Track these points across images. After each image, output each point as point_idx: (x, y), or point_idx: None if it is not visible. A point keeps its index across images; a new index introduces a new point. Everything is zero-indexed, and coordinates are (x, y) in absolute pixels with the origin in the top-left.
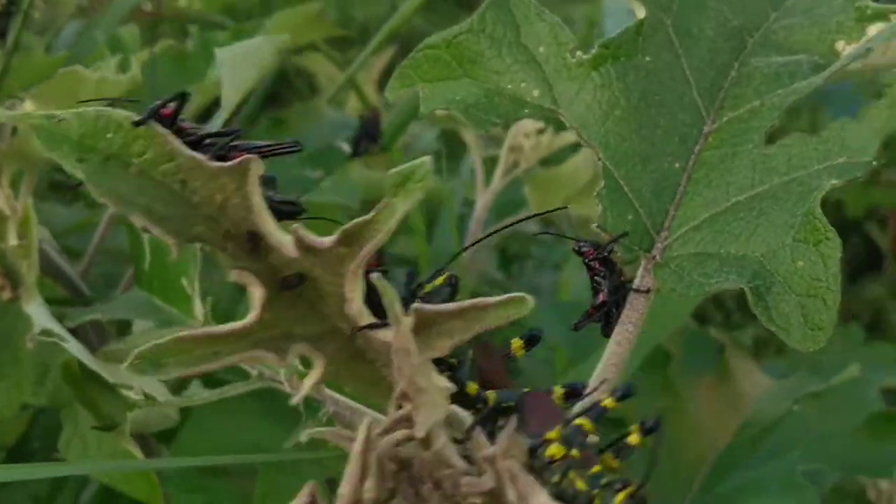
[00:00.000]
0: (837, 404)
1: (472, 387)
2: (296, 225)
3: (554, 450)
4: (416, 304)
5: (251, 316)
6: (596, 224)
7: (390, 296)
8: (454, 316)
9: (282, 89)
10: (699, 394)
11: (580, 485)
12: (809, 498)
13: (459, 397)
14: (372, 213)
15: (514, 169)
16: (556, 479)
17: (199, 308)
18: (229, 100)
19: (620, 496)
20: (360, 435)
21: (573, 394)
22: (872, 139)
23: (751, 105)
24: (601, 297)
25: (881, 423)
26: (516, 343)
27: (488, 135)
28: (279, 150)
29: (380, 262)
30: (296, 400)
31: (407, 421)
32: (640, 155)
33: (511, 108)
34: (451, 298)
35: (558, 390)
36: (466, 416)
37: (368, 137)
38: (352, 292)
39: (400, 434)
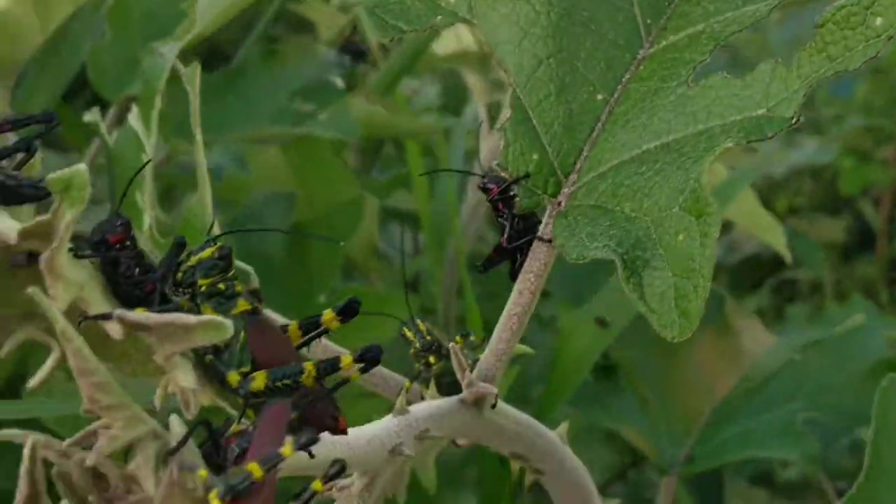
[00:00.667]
0: (840, 353)
1: (233, 376)
2: None
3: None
4: (118, 312)
5: None
6: (496, 161)
7: (44, 303)
8: (161, 326)
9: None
10: (699, 346)
11: None
12: (810, 445)
13: (223, 384)
14: (47, 216)
15: None
16: None
17: (147, 221)
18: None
19: None
20: (25, 454)
21: (368, 359)
22: (799, 90)
23: (693, 29)
24: (503, 241)
25: (887, 370)
26: (346, 360)
27: (493, 80)
28: (28, 123)
29: (123, 238)
30: (33, 382)
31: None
32: (556, 82)
33: (423, 13)
34: (222, 272)
35: (346, 359)
36: (179, 431)
37: (355, 56)
38: (51, 287)
39: (81, 453)
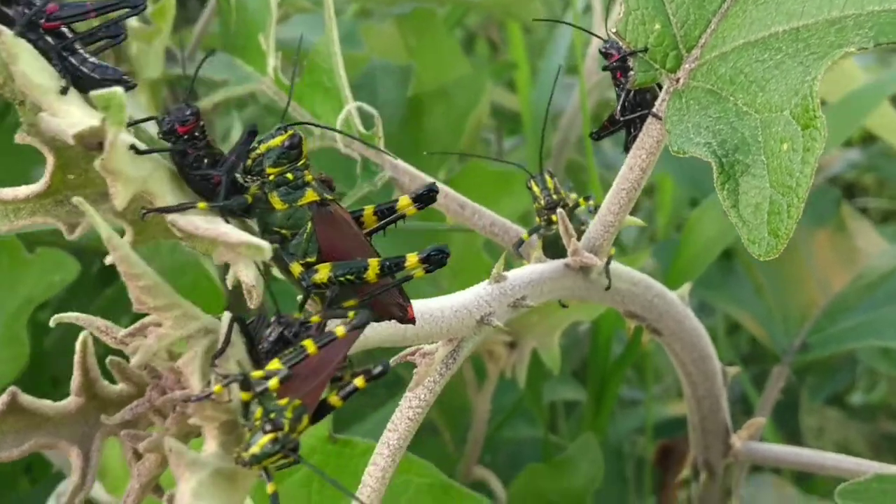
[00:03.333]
0: None
1: (296, 267)
2: (41, 113)
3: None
4: (170, 217)
5: (42, 181)
6: (613, 30)
7: (88, 211)
8: (209, 238)
9: None
10: (814, 242)
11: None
12: None
13: (287, 273)
14: (96, 124)
15: None
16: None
17: (271, 63)
18: None
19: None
20: (78, 347)
21: (434, 260)
22: None
23: None
24: (615, 113)
25: None
26: (412, 259)
27: None
28: (111, 9)
29: (192, 128)
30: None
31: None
32: None
33: None
34: (292, 161)
35: (412, 258)
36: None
37: None
38: (111, 186)
39: (136, 345)
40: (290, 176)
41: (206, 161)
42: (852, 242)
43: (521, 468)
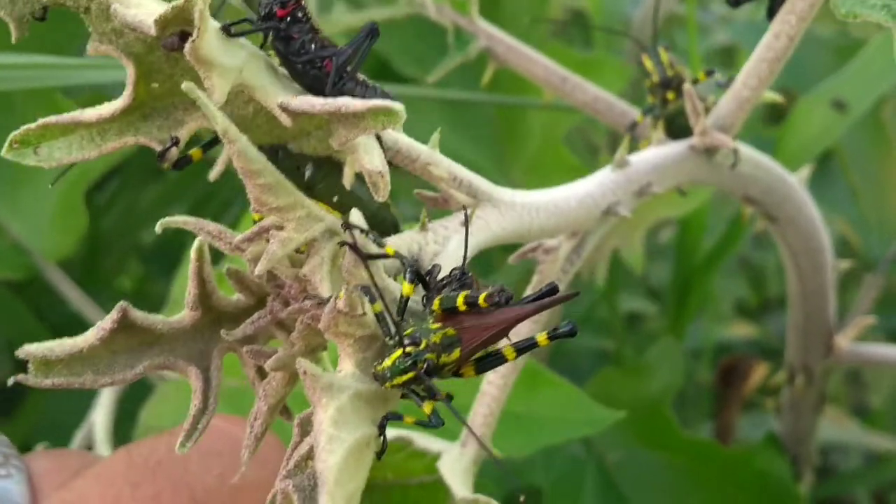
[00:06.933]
0: None
1: None
2: (113, 5)
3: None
4: (280, 100)
5: (125, 94)
6: None
7: (201, 100)
8: (328, 114)
9: None
10: None
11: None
12: None
13: None
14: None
15: None
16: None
17: None
18: None
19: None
20: (192, 254)
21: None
22: None
23: None
24: None
25: None
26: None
27: None
28: None
29: (293, 8)
30: (213, 175)
31: (267, 233)
32: None
33: None
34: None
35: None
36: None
37: None
38: (205, 77)
39: (255, 248)
40: None
41: (313, 47)
42: None
43: (584, 379)
